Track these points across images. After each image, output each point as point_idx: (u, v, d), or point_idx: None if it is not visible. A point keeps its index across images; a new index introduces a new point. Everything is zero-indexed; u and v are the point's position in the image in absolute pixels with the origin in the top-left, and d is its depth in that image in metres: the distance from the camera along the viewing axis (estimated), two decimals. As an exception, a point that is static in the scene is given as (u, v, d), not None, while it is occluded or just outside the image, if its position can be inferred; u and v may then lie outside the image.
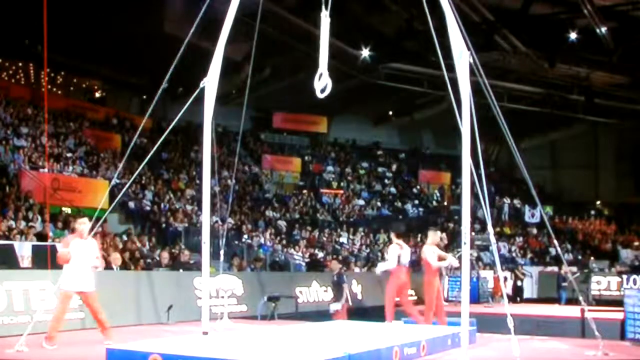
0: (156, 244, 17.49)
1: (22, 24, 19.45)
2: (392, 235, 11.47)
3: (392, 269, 10.96)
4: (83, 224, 9.01)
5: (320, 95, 8.53)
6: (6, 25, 20.85)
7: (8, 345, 8.21)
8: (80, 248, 8.80)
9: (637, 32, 22.93)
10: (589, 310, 10.66)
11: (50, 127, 21.26)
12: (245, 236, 20.96)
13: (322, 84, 8.52)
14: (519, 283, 20.80)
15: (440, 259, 10.85)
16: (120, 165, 14.15)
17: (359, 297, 17.09)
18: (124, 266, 13.74)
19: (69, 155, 20.52)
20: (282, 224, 24.26)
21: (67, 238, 9.39)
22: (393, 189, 32.12)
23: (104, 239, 15.57)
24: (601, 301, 17.84)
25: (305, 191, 29.16)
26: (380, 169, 33.63)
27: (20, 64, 26.31)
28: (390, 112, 35.11)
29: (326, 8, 8.50)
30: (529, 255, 26.72)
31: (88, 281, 8.86)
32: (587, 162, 35.42)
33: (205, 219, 9.28)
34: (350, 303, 14.31)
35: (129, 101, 28.94)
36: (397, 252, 10.94)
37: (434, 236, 11.09)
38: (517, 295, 20.37)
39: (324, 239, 24.23)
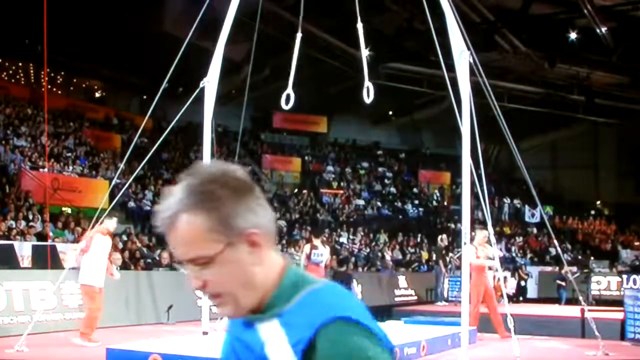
0: (156, 244, 17.48)
1: (22, 24, 19.44)
2: (312, 237, 12.74)
3: (307, 268, 11.89)
4: (111, 221, 9.24)
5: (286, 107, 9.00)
6: (6, 25, 20.84)
7: (8, 345, 8.21)
8: (102, 244, 9.00)
9: (637, 32, 22.91)
10: (589, 310, 10.66)
11: (50, 127, 21.25)
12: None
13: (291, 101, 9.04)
14: (522, 283, 20.80)
15: (487, 257, 10.47)
16: (121, 165, 14.14)
17: (359, 297, 17.09)
18: (124, 266, 13.73)
19: (69, 155, 20.51)
20: (282, 224, 24.24)
21: (89, 232, 9.51)
22: (393, 189, 32.11)
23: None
24: (601, 301, 17.82)
25: (305, 191, 29.15)
26: (380, 169, 33.62)
27: (20, 64, 26.31)
28: (390, 112, 35.09)
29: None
30: (529, 255, 26.72)
31: (102, 277, 9.07)
32: (587, 162, 35.38)
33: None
34: None
35: (129, 101, 28.93)
36: (307, 250, 11.99)
37: (480, 235, 10.62)
38: (520, 295, 20.37)
39: (324, 238, 24.21)
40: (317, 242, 12.21)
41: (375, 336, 1.20)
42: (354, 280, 13.47)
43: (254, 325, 1.28)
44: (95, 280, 8.96)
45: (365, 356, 1.16)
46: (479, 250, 10.44)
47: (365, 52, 9.05)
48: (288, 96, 8.96)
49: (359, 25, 8.94)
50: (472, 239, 11.01)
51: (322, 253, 11.81)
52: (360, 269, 20.86)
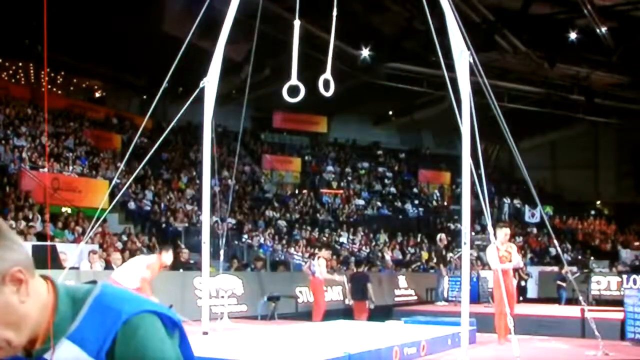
0: (156, 244, 17.49)
1: (22, 24, 19.45)
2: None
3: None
4: (167, 254, 9.39)
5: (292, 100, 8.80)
6: (6, 25, 20.84)
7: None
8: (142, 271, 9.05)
9: (637, 32, 22.92)
10: (589, 310, 10.64)
11: (50, 127, 21.26)
12: (245, 236, 20.96)
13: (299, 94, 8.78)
14: (522, 283, 20.80)
15: (507, 257, 9.76)
16: (121, 165, 14.14)
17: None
18: (124, 266, 13.73)
19: (69, 155, 20.52)
20: (282, 224, 24.25)
21: (144, 272, 9.12)
22: (393, 189, 32.12)
23: (104, 239, 15.57)
24: (601, 301, 17.81)
25: (305, 191, 29.16)
26: (380, 169, 33.63)
27: (20, 64, 26.32)
28: (390, 112, 35.11)
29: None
30: (529, 255, 26.72)
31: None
32: (587, 162, 35.41)
33: (205, 219, 9.28)
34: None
35: (129, 101, 28.93)
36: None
37: (500, 233, 9.85)
38: (520, 295, 20.36)
39: (324, 239, 24.23)
40: (317, 255, 13.99)
41: (168, 320, 1.31)
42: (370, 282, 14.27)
43: (40, 357, 1.27)
44: None
45: (162, 337, 1.27)
46: (502, 250, 9.76)
47: (333, 41, 8.98)
48: (293, 88, 8.71)
49: (334, 13, 8.92)
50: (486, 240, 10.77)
51: (314, 264, 13.43)
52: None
